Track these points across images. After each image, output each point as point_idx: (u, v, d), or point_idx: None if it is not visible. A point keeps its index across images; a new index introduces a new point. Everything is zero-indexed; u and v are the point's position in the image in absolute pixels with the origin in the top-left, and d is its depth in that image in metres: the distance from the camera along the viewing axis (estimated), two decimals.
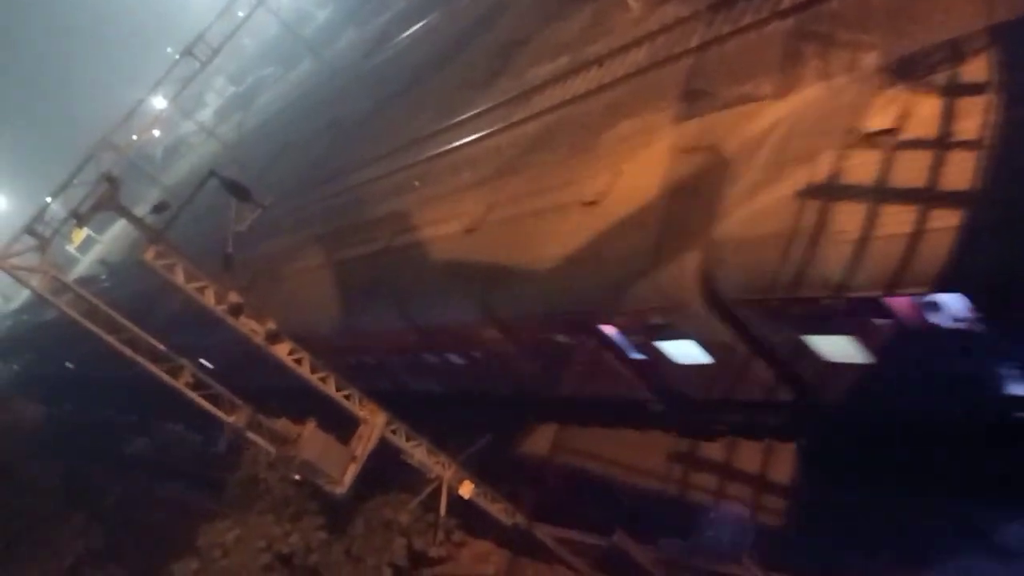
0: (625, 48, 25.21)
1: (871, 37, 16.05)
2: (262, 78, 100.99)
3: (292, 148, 56.76)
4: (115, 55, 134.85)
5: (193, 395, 12.70)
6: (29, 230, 12.79)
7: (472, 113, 32.27)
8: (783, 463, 13.51)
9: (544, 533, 15.40)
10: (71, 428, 48.77)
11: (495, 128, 29.34)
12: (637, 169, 14.08)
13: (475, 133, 30.59)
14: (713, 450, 14.83)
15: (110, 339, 12.22)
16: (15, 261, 12.16)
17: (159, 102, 42.92)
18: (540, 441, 18.93)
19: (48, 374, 58.26)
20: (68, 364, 49.47)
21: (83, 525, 31.63)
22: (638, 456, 16.19)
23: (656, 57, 23.09)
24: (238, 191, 12.79)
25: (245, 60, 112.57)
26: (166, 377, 12.54)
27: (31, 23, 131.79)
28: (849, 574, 11.07)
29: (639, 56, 24.27)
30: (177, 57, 39.50)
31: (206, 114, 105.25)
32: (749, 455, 14.13)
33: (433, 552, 18.00)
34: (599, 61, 26.26)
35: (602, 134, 22.44)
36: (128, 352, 12.28)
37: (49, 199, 18.28)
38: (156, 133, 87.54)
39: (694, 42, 21.77)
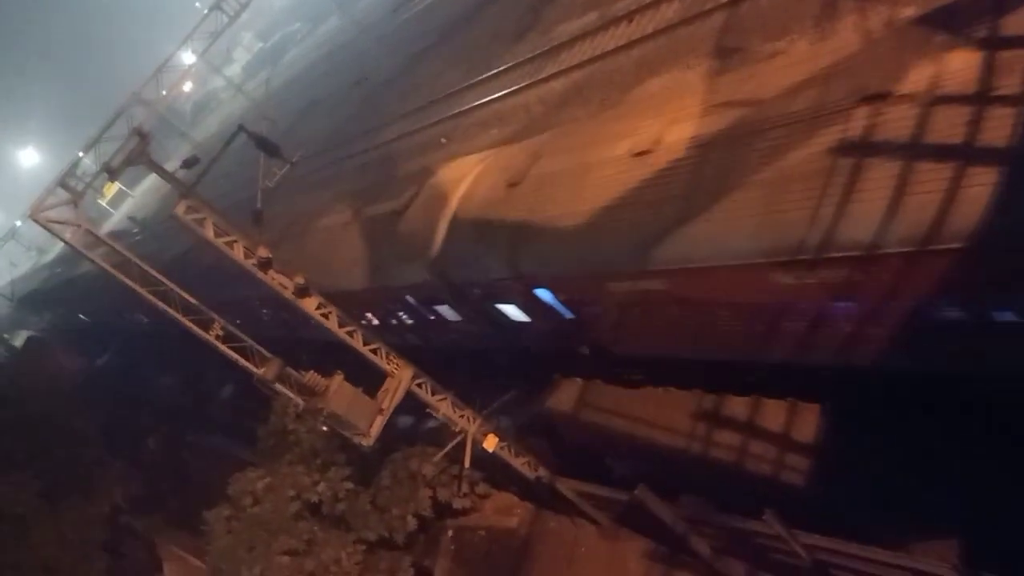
0: (656, 3, 24.72)
1: None
2: (289, 34, 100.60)
3: (319, 105, 56.63)
4: (145, 10, 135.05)
5: (223, 347, 12.94)
6: (62, 184, 12.93)
7: (500, 69, 31.94)
8: (807, 423, 13.51)
9: (567, 487, 15.59)
10: (110, 378, 49.94)
11: (523, 84, 29.04)
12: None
13: (503, 89, 30.30)
14: (737, 408, 14.86)
15: (143, 292, 12.45)
16: (49, 214, 12.36)
17: (188, 57, 42.88)
18: (565, 397, 19.06)
19: (85, 326, 59.56)
20: (106, 316, 50.16)
21: (122, 473, 32.59)
22: (662, 413, 16.26)
23: (688, 13, 22.62)
24: (267, 147, 12.86)
25: (273, 16, 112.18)
26: (196, 329, 12.77)
27: None
28: (869, 533, 11.10)
29: (670, 12, 23.79)
30: (205, 12, 39.38)
31: (234, 70, 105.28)
32: (773, 414, 14.14)
33: (457, 503, 18.32)
34: (629, 17, 25.79)
35: (632, 91, 22.15)
36: (160, 304, 12.52)
37: (81, 153, 18.49)
38: (186, 88, 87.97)
39: None
